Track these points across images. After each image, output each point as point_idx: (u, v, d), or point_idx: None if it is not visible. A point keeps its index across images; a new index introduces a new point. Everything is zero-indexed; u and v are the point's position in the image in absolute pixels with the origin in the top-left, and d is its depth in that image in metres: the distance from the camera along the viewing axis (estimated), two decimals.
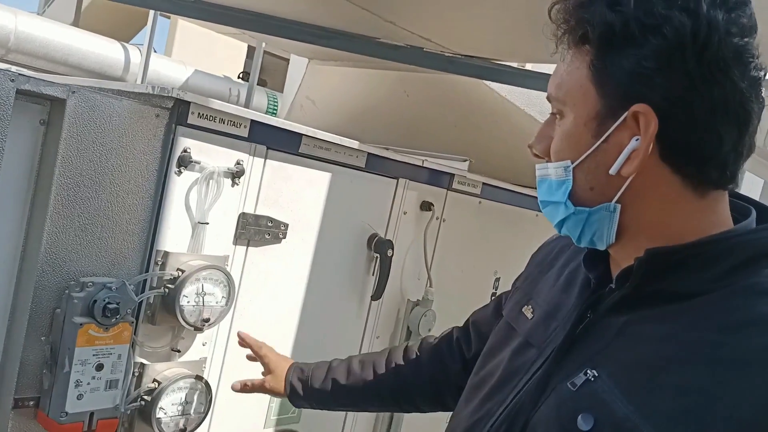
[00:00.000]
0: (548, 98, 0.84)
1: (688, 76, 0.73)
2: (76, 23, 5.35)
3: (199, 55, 7.92)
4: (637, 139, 0.75)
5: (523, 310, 1.00)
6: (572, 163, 0.80)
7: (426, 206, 1.99)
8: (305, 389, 1.36)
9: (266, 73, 7.30)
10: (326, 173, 1.71)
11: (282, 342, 1.74)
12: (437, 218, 2.04)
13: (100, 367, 1.32)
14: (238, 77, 7.13)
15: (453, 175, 2.06)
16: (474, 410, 0.97)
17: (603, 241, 0.82)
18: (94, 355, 1.31)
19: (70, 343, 1.28)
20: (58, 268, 1.30)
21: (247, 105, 5.26)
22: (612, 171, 0.77)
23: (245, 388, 1.43)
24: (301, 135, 1.61)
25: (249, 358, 1.47)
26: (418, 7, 2.42)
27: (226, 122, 1.45)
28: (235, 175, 1.50)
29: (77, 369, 1.29)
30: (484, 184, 2.17)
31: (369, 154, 1.79)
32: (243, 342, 1.45)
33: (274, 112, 5.96)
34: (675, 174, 0.77)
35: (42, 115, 1.27)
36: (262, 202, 1.58)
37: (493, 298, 1.26)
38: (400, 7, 2.48)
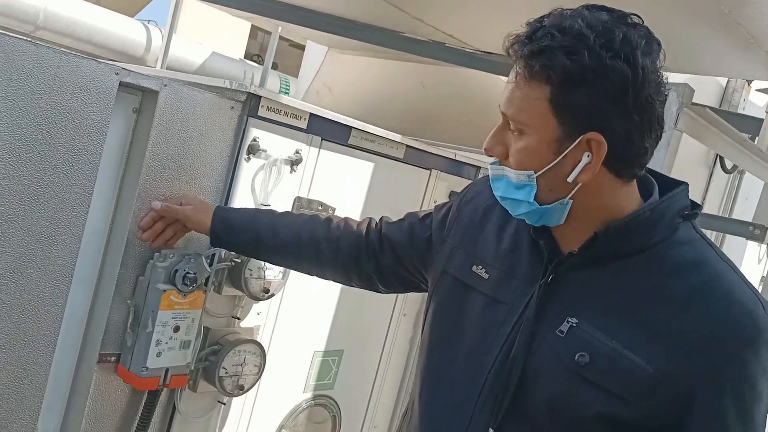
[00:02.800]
0: (504, 114, 1.03)
1: (627, 111, 0.96)
2: (98, 1, 5.44)
3: (202, 31, 7.96)
4: (588, 156, 0.98)
5: (473, 269, 1.18)
6: (536, 172, 1.01)
7: (455, 196, 2.16)
8: (225, 235, 1.43)
9: (277, 57, 7.41)
10: (370, 163, 1.88)
11: (322, 315, 1.91)
12: None
13: (177, 329, 1.49)
14: (251, 59, 7.23)
15: (479, 167, 2.23)
16: (460, 361, 1.14)
17: (554, 222, 1.06)
18: (173, 318, 1.48)
19: (154, 307, 1.45)
20: (143, 241, 1.46)
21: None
22: (570, 179, 1.00)
23: (166, 208, 1.44)
24: (350, 127, 1.78)
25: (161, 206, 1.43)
26: (447, 6, 2.57)
27: (289, 115, 1.62)
28: (294, 162, 1.66)
29: (158, 329, 1.46)
30: None
31: (408, 146, 1.95)
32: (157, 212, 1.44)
33: (286, 95, 6.08)
34: (612, 174, 1.01)
35: (134, 104, 1.43)
36: (315, 187, 1.75)
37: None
38: (429, 5, 2.63)
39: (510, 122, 1.02)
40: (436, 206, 1.37)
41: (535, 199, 1.03)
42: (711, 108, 2.25)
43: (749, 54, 2.18)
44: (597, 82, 0.94)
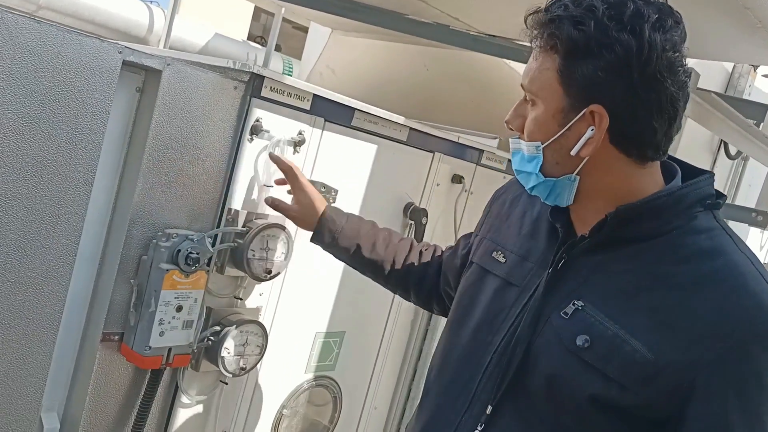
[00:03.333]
0: (522, 86, 1.06)
1: (632, 85, 0.95)
2: None
3: (205, 12, 7.89)
4: (592, 130, 0.98)
5: (493, 255, 1.22)
6: (542, 143, 1.02)
7: (457, 179, 2.16)
8: (330, 242, 1.56)
9: (280, 38, 7.36)
10: (373, 145, 1.87)
11: (324, 297, 1.92)
12: (466, 191, 2.21)
13: (179, 309, 1.50)
14: (255, 41, 7.18)
15: (482, 151, 2.22)
16: (468, 342, 1.17)
17: (563, 201, 1.07)
18: (175, 297, 1.49)
19: (157, 286, 1.45)
20: (146, 220, 1.47)
21: None
22: (573, 152, 1.00)
23: (275, 205, 1.59)
24: (354, 109, 1.77)
25: (271, 202, 1.59)
26: None
27: (292, 96, 1.61)
28: (297, 143, 1.66)
29: (161, 309, 1.47)
30: (509, 160, 2.34)
31: (411, 129, 1.95)
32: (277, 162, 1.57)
33: (290, 76, 6.05)
34: (621, 153, 1.00)
35: (138, 83, 1.42)
36: (318, 168, 1.74)
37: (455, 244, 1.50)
38: None
39: (525, 94, 1.04)
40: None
41: (541, 171, 1.03)
42: (716, 93, 2.24)
43: (756, 38, 2.16)
44: (601, 54, 0.94)
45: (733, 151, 3.62)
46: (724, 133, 2.37)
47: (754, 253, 1.02)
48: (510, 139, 1.10)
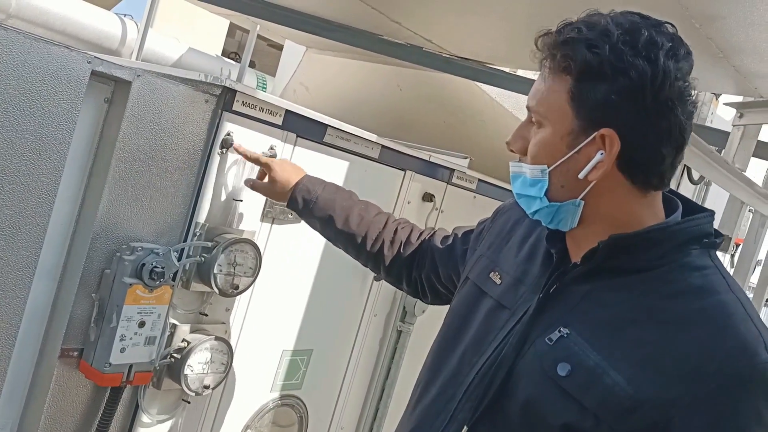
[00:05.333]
0: (528, 108, 1.05)
1: (644, 111, 0.95)
2: None
3: (179, 29, 7.87)
4: (602, 153, 0.97)
5: (490, 275, 1.20)
6: (548, 167, 1.01)
7: (428, 197, 2.16)
8: (303, 209, 1.55)
9: (254, 56, 7.36)
10: (345, 162, 1.87)
11: (292, 313, 1.90)
12: (436, 209, 2.22)
13: (142, 324, 1.46)
14: (229, 57, 7.16)
15: (453, 170, 2.23)
16: (456, 361, 1.16)
17: (566, 226, 1.05)
18: (138, 313, 1.45)
19: (119, 301, 1.42)
20: (110, 233, 1.44)
21: None
22: (581, 176, 0.98)
23: (254, 186, 1.59)
24: (326, 125, 1.77)
25: (251, 184, 1.60)
26: (426, 10, 2.58)
27: (264, 110, 1.60)
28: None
29: (123, 325, 1.43)
30: (479, 180, 2.36)
31: (383, 146, 1.95)
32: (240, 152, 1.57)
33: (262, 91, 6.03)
34: (627, 179, 0.99)
35: (106, 94, 1.40)
36: None
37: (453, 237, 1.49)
38: (408, 9, 2.64)
39: (532, 115, 1.04)
40: (479, 221, 1.41)
41: (546, 195, 1.02)
42: None
43: (718, 68, 2.23)
44: (615, 78, 0.94)
45: (696, 176, 3.71)
46: (688, 158, 2.43)
47: (746, 295, 1.00)
48: (510, 163, 1.08)
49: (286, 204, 1.57)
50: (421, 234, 1.54)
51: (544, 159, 1.01)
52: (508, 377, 1.04)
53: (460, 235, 1.45)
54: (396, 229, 1.55)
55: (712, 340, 0.92)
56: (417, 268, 1.50)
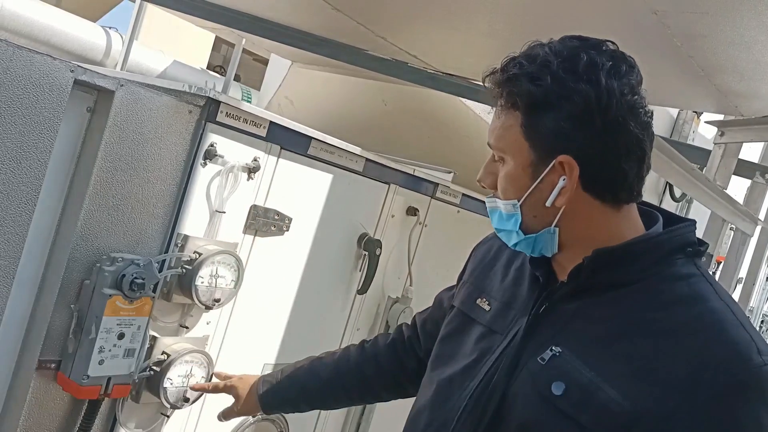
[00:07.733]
0: (489, 145, 1.07)
1: (596, 132, 0.97)
2: (58, 3, 5.32)
3: (165, 41, 7.83)
4: (563, 179, 0.98)
5: (477, 302, 1.20)
6: (518, 201, 1.03)
7: (412, 211, 2.17)
8: (275, 399, 1.49)
9: (239, 69, 7.35)
10: (329, 175, 1.87)
11: (274, 326, 1.88)
12: (420, 223, 2.22)
13: (121, 336, 1.44)
14: (214, 70, 7.15)
15: (437, 184, 2.24)
16: (446, 389, 1.14)
17: (548, 252, 1.06)
18: (117, 324, 1.43)
19: (99, 312, 1.40)
20: (90, 243, 1.42)
21: None
22: (548, 204, 1.00)
23: (224, 414, 1.56)
24: (310, 138, 1.77)
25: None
26: (410, 26, 2.60)
27: (248, 122, 1.60)
28: (252, 170, 1.64)
29: (102, 336, 1.41)
30: (463, 194, 2.37)
31: (367, 159, 1.96)
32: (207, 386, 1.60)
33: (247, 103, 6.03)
34: (595, 198, 1.00)
35: (89, 103, 1.39)
36: (272, 196, 1.73)
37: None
38: (393, 25, 2.66)
39: (494, 153, 1.06)
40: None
41: (521, 227, 1.04)
42: (662, 138, 2.32)
43: (699, 87, 2.26)
44: (561, 105, 0.96)
45: (678, 193, 3.76)
46: (670, 176, 2.46)
47: (734, 301, 1.00)
48: (486, 199, 1.11)
49: (261, 408, 1.51)
50: (393, 334, 1.50)
51: (512, 193, 1.03)
52: (502, 401, 1.03)
53: (445, 291, 1.42)
54: (363, 348, 1.50)
55: (704, 348, 0.92)
56: (409, 356, 1.45)
